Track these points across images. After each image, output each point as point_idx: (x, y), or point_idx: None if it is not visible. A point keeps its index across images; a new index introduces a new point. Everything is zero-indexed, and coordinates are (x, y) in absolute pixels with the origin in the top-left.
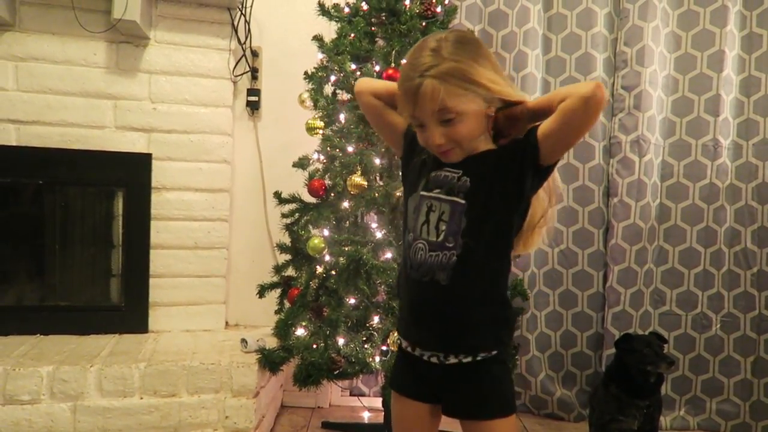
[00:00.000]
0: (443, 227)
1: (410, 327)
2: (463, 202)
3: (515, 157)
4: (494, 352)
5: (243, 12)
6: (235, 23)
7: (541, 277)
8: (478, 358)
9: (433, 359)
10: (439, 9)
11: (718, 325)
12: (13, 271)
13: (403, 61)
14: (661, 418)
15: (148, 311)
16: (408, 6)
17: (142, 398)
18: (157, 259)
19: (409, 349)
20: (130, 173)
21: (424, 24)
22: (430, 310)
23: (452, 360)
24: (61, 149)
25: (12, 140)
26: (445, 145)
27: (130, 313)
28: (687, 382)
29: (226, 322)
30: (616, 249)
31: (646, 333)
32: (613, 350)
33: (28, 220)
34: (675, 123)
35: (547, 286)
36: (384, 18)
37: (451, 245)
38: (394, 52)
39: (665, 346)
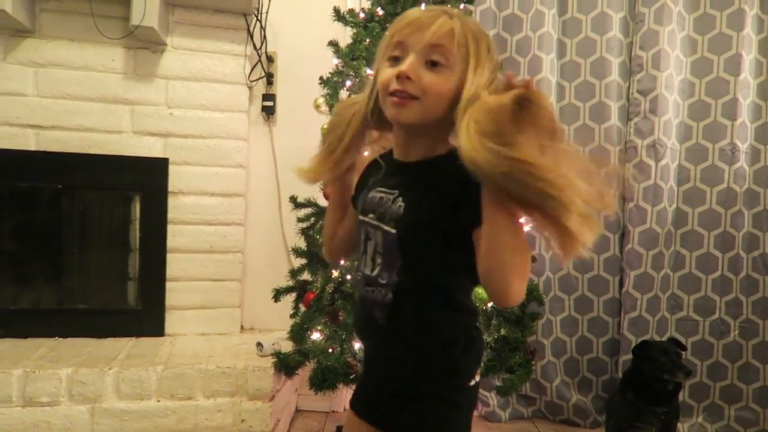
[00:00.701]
0: (378, 260)
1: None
2: (393, 231)
3: (454, 201)
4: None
5: (259, 18)
6: (251, 29)
7: (557, 282)
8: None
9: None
10: None
11: (737, 331)
12: (32, 275)
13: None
14: (679, 425)
15: (165, 314)
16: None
17: (158, 401)
18: (173, 263)
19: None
20: (147, 178)
21: None
22: (371, 350)
23: (393, 400)
24: (80, 154)
25: (32, 145)
26: (411, 85)
27: (146, 317)
28: (705, 388)
29: (241, 326)
30: (632, 254)
31: (664, 339)
32: (629, 356)
33: (46, 224)
34: (691, 127)
35: (563, 291)
36: None
37: (384, 281)
38: None
39: (683, 353)
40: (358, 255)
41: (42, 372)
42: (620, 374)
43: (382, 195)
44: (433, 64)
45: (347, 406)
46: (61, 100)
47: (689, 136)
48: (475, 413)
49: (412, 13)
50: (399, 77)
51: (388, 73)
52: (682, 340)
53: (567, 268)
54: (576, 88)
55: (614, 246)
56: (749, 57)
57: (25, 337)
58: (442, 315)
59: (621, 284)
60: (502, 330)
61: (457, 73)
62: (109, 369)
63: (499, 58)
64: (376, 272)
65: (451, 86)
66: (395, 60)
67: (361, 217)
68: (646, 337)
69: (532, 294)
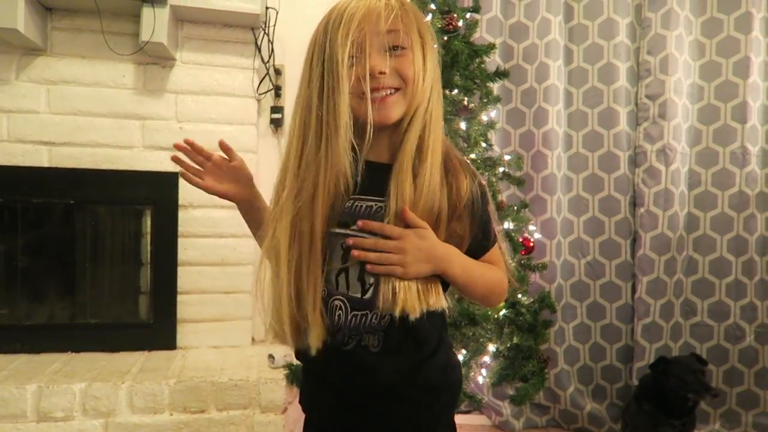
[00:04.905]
0: (371, 279)
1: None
2: None
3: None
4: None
5: (266, 31)
6: (259, 42)
7: (568, 289)
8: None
9: None
10: (460, 23)
11: (752, 336)
12: (45, 290)
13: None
14: None
15: (176, 328)
16: (429, 21)
17: (171, 415)
18: (184, 276)
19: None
20: (158, 192)
21: (445, 38)
22: (356, 385)
23: None
24: (91, 169)
25: (44, 162)
26: (389, 80)
27: (158, 330)
28: (721, 394)
29: (252, 338)
30: (644, 260)
31: (679, 345)
32: (644, 363)
33: (59, 240)
34: (701, 131)
35: (575, 298)
36: None
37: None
38: None
39: (705, 368)
40: (327, 275)
41: (56, 387)
42: (635, 381)
43: (370, 203)
44: (395, 49)
45: None
46: (72, 117)
47: (699, 140)
48: (489, 422)
49: (354, 7)
50: (372, 76)
51: (357, 71)
52: (697, 345)
53: (579, 274)
54: (584, 94)
55: (626, 252)
56: (758, 60)
57: (39, 353)
58: (437, 335)
59: (633, 290)
60: (515, 338)
61: (415, 54)
62: (122, 383)
63: (505, 65)
64: (370, 294)
65: (420, 66)
66: (356, 57)
67: (338, 230)
68: (660, 344)
69: (544, 301)
